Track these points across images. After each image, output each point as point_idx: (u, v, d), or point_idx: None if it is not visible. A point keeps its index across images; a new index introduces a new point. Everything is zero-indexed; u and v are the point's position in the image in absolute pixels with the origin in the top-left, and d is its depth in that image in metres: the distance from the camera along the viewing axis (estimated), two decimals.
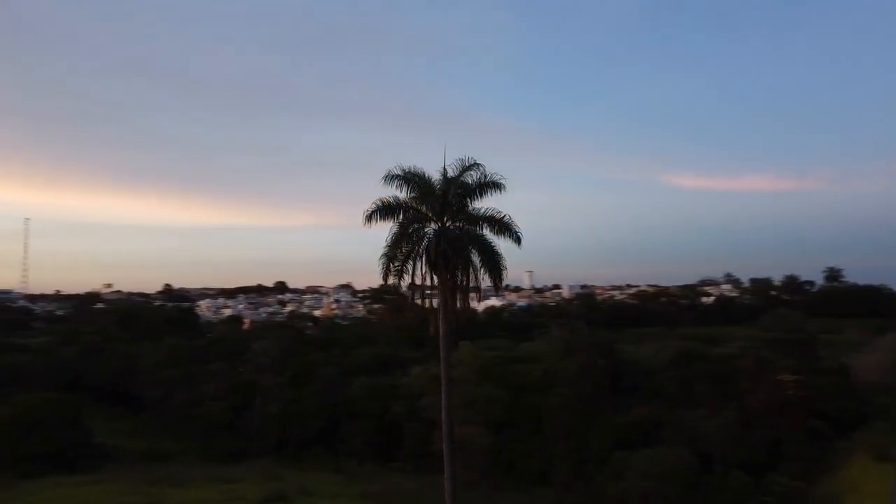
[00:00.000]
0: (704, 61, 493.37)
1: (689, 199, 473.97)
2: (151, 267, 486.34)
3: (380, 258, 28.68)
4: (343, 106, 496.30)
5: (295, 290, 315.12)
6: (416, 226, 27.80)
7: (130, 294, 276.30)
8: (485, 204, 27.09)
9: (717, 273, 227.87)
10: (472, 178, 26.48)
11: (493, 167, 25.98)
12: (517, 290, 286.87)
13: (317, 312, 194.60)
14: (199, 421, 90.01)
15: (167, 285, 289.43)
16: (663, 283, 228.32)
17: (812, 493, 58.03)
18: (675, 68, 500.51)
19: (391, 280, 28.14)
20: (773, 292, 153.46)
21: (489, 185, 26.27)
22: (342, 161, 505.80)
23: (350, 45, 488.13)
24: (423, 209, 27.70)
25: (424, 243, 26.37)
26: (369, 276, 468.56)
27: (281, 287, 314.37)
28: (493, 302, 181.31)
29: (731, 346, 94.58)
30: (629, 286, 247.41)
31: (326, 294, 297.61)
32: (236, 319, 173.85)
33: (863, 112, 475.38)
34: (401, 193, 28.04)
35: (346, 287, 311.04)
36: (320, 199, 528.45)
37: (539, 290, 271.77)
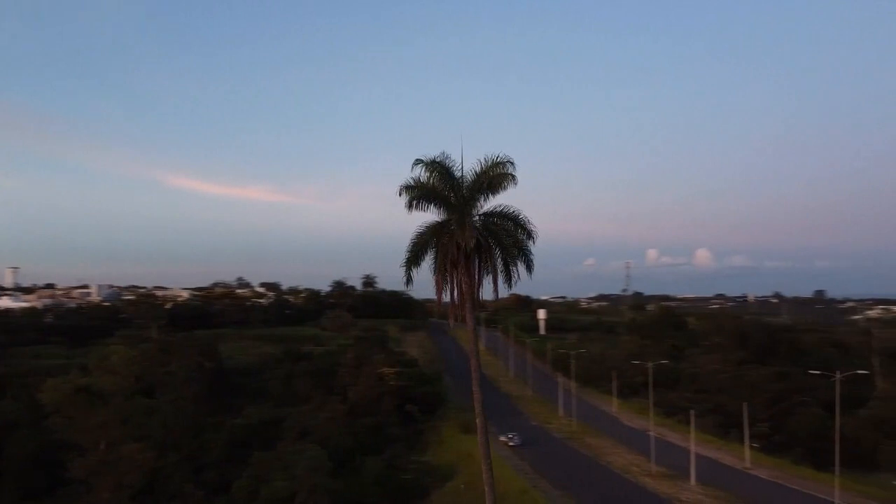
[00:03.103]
0: (214, 71, 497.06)
1: (197, 203, 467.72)
2: None
3: (410, 248, 24.81)
4: None
5: None
6: (449, 217, 25.20)
7: None
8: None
9: (228, 276, 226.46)
10: (492, 173, 25.29)
11: None
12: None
13: None
14: None
15: None
16: (172, 284, 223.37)
17: (433, 465, 68.02)
18: (192, 75, 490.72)
19: (412, 272, 24.79)
20: (323, 295, 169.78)
21: (505, 182, 25.50)
22: None
23: None
24: (448, 200, 25.16)
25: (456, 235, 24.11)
26: None
27: None
28: (8, 303, 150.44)
29: (332, 345, 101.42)
30: (140, 287, 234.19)
31: None
32: None
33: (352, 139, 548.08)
34: (428, 181, 24.89)
35: None
36: None
37: (28, 290, 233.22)
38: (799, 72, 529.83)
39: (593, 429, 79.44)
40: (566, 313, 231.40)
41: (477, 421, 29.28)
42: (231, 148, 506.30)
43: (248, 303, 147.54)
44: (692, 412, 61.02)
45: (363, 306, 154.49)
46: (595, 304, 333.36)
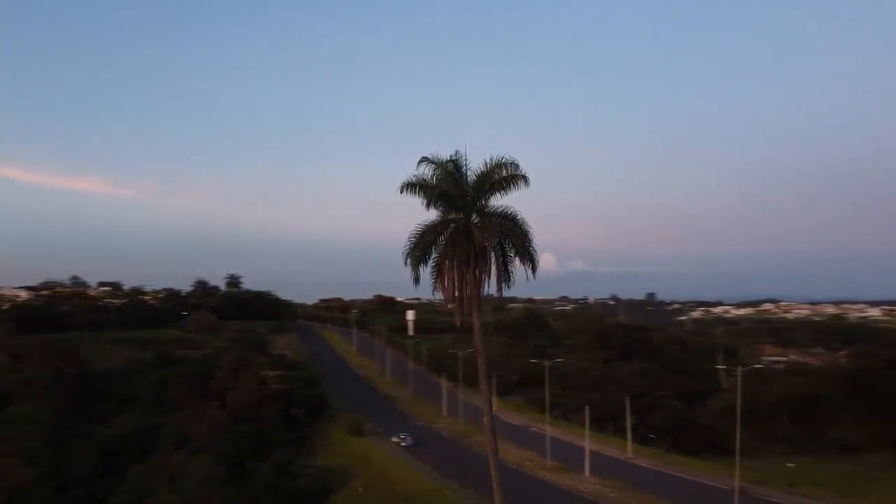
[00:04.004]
0: (39, 51, 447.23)
1: (14, 194, 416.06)
2: None
3: (411, 249, 23.57)
4: None
5: None
6: (452, 216, 24.43)
7: None
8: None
9: (60, 274, 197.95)
10: (500, 174, 24.89)
11: None
12: None
13: None
14: None
15: None
16: None
17: (327, 469, 66.83)
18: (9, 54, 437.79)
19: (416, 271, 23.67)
20: (183, 295, 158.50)
21: (516, 183, 25.22)
22: None
23: None
24: (457, 200, 24.39)
25: (455, 234, 23.52)
26: None
27: None
28: None
29: (206, 348, 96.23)
30: None
31: None
32: None
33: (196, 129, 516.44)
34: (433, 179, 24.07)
35: None
36: None
37: None
38: (628, 82, 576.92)
39: (478, 427, 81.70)
40: (426, 314, 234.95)
41: (485, 420, 29.56)
42: (58, 137, 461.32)
43: (100, 303, 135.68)
44: (587, 408, 64.88)
45: (227, 307, 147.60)
46: (451, 305, 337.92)
